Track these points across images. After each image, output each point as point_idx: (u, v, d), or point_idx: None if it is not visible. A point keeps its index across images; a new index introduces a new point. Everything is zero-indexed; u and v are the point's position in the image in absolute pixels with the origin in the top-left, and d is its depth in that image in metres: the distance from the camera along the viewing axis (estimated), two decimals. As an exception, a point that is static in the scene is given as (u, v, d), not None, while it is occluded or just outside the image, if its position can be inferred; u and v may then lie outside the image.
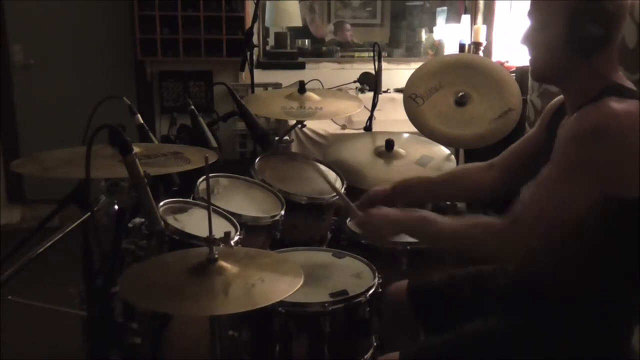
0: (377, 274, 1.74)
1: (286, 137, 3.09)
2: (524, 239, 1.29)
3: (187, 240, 1.70)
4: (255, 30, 3.40)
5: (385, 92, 3.88)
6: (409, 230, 1.54)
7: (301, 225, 2.20)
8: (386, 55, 4.42)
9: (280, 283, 1.33)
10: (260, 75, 4.06)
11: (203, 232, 1.54)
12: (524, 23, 1.43)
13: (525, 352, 1.37)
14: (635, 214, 1.26)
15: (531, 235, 1.28)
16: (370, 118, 2.85)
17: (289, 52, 4.35)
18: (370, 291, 1.65)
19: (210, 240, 1.33)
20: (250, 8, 4.02)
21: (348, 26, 4.58)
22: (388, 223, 1.53)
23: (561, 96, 1.50)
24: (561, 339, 1.35)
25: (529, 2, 1.43)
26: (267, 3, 4.20)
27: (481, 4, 4.50)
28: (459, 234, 1.39)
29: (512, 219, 1.32)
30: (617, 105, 1.24)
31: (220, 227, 1.79)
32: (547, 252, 1.32)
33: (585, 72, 1.34)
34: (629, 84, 1.36)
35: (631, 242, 1.28)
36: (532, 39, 1.40)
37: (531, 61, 1.44)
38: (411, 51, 4.62)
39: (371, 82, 3.58)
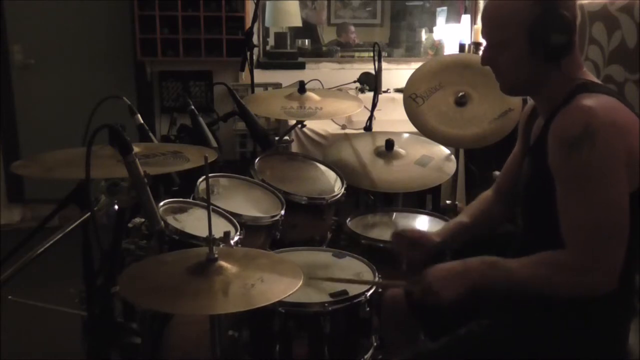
0: (377, 274, 1.74)
1: (286, 137, 3.09)
2: (603, 260, 1.24)
3: (187, 240, 1.70)
4: (255, 30, 3.40)
5: (385, 92, 3.87)
6: (477, 278, 1.35)
7: (301, 225, 2.20)
8: (386, 55, 4.41)
9: (279, 283, 1.33)
10: (260, 75, 4.05)
11: (203, 232, 1.54)
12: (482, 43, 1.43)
13: (521, 352, 1.36)
14: (634, 207, 1.25)
15: (607, 252, 1.24)
16: (370, 118, 2.85)
17: (289, 52, 4.34)
18: (370, 291, 1.66)
19: (210, 240, 1.34)
20: (250, 8, 4.02)
21: (352, 28, 4.55)
22: (457, 276, 1.36)
23: (532, 102, 1.52)
24: (558, 339, 1.35)
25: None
26: (267, 3, 4.19)
27: (481, 4, 4.48)
28: (531, 278, 1.30)
29: (574, 249, 1.26)
30: (590, 101, 1.27)
31: (220, 227, 1.80)
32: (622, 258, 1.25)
33: (555, 77, 1.37)
34: (594, 78, 1.39)
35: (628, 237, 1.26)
36: (494, 59, 1.41)
37: (498, 78, 1.45)
38: (411, 51, 4.61)
39: (371, 82, 3.58)
